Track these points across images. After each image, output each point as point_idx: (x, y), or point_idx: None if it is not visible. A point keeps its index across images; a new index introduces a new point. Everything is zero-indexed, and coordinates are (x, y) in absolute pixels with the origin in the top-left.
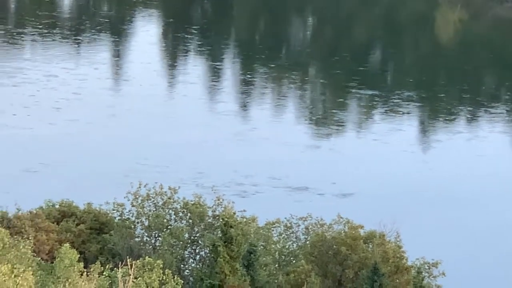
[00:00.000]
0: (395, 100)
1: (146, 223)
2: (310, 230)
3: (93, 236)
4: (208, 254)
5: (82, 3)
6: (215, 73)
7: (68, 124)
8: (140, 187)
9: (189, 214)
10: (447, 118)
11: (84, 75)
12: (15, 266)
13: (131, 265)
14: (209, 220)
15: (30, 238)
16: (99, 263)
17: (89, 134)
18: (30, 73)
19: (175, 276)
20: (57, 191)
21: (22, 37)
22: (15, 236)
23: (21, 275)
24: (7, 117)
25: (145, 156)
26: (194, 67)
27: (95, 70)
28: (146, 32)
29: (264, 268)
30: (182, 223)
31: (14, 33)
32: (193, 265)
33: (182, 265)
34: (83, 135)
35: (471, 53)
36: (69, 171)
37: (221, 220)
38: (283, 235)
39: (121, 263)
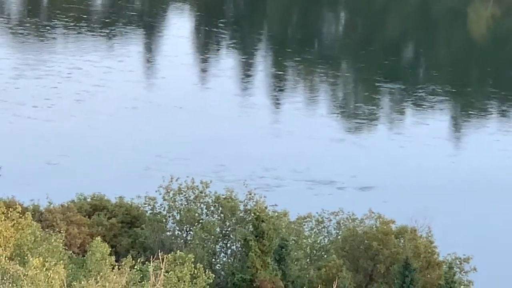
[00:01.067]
0: (423, 95)
1: (178, 217)
2: (341, 225)
3: (125, 229)
4: (240, 249)
5: None
6: (245, 67)
7: (90, 117)
8: (171, 181)
9: (220, 208)
10: (473, 113)
11: (109, 67)
12: (46, 259)
13: (163, 259)
14: (241, 215)
15: (61, 231)
16: (130, 256)
17: (112, 127)
18: (54, 65)
19: (207, 270)
20: (80, 184)
21: (49, 30)
22: (46, 230)
23: (53, 269)
24: (29, 109)
25: (169, 150)
26: (224, 60)
27: (119, 63)
28: (175, 25)
29: (296, 262)
30: (213, 217)
31: (40, 26)
32: (224, 259)
33: (213, 259)
34: (106, 127)
35: (502, 49)
36: (91, 164)
37: (252, 214)
38: (314, 230)
39: (153, 257)
